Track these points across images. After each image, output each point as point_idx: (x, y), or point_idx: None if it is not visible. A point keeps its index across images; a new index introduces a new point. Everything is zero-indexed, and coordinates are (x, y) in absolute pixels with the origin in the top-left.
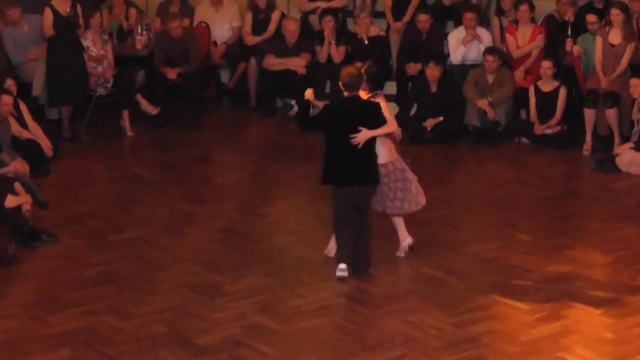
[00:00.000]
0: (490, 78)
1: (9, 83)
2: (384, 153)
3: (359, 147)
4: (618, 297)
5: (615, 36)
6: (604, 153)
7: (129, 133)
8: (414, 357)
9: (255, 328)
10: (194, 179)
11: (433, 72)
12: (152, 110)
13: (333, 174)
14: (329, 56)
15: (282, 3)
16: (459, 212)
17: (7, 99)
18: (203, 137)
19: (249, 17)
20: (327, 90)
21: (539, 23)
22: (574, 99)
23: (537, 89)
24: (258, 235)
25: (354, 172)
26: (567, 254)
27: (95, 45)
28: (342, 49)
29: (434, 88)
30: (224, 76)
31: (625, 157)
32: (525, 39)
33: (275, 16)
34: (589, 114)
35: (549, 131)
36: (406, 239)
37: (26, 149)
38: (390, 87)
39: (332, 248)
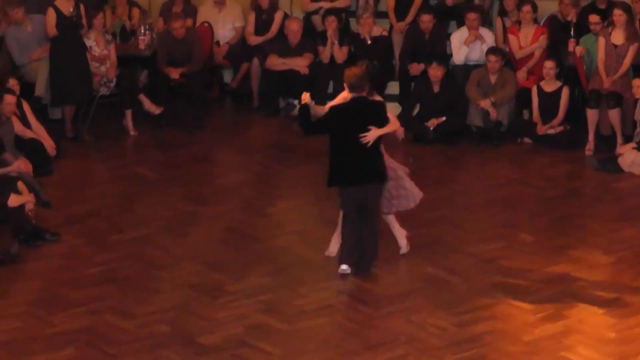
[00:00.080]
0: (492, 78)
1: (12, 83)
2: None
3: (368, 145)
4: (620, 297)
5: (617, 36)
6: (607, 153)
7: (132, 133)
8: (416, 357)
9: (258, 327)
10: (197, 179)
11: (436, 72)
12: (154, 110)
13: (340, 175)
14: (332, 56)
15: (285, 3)
16: (462, 212)
17: (11, 99)
18: (205, 137)
19: (251, 18)
20: (330, 90)
21: (541, 23)
22: (576, 99)
23: (539, 89)
24: (260, 235)
25: (362, 171)
26: (570, 254)
27: (98, 45)
28: (344, 49)
29: (436, 88)
30: (227, 76)
31: (628, 157)
32: (527, 40)
33: (278, 16)
34: (592, 114)
35: (551, 131)
36: (403, 235)
37: (29, 148)
38: (393, 87)
39: (332, 249)
